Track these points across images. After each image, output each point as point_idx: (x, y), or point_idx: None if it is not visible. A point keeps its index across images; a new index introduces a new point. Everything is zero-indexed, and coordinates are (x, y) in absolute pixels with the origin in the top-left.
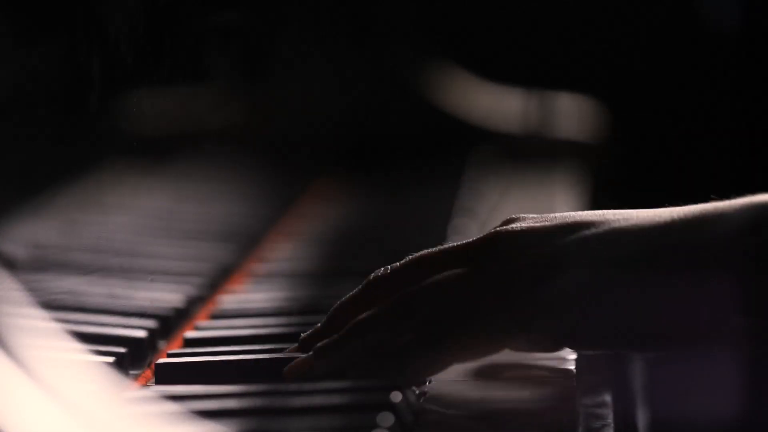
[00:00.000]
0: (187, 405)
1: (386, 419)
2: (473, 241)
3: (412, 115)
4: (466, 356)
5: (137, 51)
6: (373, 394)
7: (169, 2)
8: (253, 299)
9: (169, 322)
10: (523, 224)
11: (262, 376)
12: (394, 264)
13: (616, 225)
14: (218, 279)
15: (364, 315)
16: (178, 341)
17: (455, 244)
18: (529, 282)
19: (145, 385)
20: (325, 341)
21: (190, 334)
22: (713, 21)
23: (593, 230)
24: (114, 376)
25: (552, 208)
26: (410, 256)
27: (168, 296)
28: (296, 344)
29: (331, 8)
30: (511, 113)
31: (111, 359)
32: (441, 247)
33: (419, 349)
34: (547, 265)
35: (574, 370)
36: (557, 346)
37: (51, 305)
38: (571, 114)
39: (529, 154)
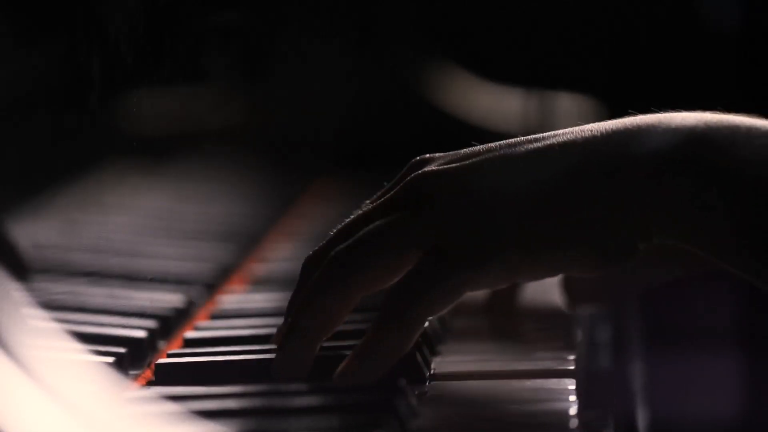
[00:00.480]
0: (187, 405)
1: (386, 419)
2: (393, 193)
3: (412, 114)
4: (429, 314)
5: (137, 51)
6: (373, 394)
7: (169, 2)
8: (253, 299)
9: (169, 322)
10: (440, 166)
11: (262, 377)
12: (321, 243)
13: (530, 146)
14: (218, 279)
15: (305, 291)
16: (178, 341)
17: (375, 199)
18: (462, 227)
19: (145, 385)
20: (282, 334)
21: (190, 334)
22: (713, 21)
23: (508, 165)
24: (114, 376)
25: None
26: (334, 229)
27: (168, 296)
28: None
29: (331, 8)
30: (511, 113)
31: (111, 359)
32: (362, 210)
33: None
34: (471, 210)
35: (574, 370)
36: (502, 281)
37: (51, 305)
38: (571, 114)
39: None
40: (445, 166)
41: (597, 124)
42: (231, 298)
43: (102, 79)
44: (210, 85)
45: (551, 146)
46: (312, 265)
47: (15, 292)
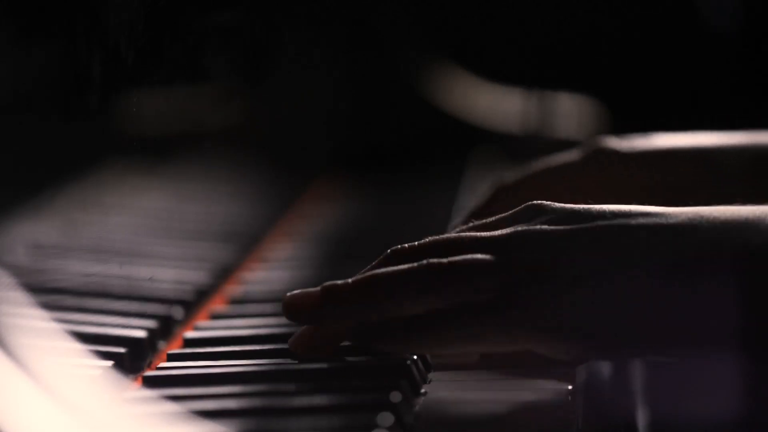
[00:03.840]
0: (187, 405)
1: (386, 419)
2: (500, 235)
3: (412, 114)
4: (475, 348)
5: (137, 51)
6: (373, 394)
7: (169, 2)
8: (253, 299)
9: (169, 323)
10: (549, 226)
11: (262, 381)
12: (413, 243)
13: (653, 221)
14: (218, 279)
15: (381, 271)
16: (178, 341)
17: (480, 234)
18: (555, 291)
19: (144, 385)
20: (337, 283)
21: (190, 334)
22: (713, 21)
23: (624, 239)
24: (114, 376)
25: None
26: (431, 238)
27: (168, 296)
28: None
29: (331, 8)
30: (511, 113)
31: (111, 359)
32: (464, 234)
33: (434, 326)
34: (574, 278)
35: (574, 370)
36: (581, 355)
37: (51, 305)
38: (571, 114)
39: (529, 154)
40: (554, 228)
41: (711, 210)
42: (231, 298)
43: (102, 79)
44: (210, 85)
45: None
46: (399, 256)
47: (15, 292)
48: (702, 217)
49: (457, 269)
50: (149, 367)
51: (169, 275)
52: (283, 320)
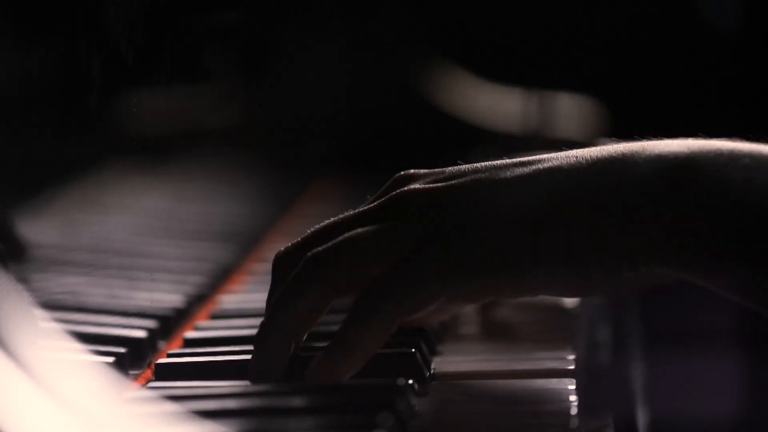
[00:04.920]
0: (187, 405)
1: (386, 419)
2: (377, 204)
3: (412, 114)
4: (401, 316)
5: (137, 51)
6: (373, 394)
7: (169, 2)
8: (253, 299)
9: (169, 322)
10: (425, 185)
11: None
12: (295, 240)
13: (517, 171)
14: (218, 279)
15: (281, 290)
16: (178, 341)
17: (357, 210)
18: (446, 239)
19: (145, 385)
20: (261, 330)
21: (190, 334)
22: (713, 21)
23: (494, 188)
24: (114, 376)
25: None
26: (311, 229)
27: (168, 296)
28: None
29: (330, 8)
30: (511, 113)
31: (111, 359)
32: (344, 215)
33: (354, 324)
34: (459, 223)
35: (574, 370)
36: (482, 296)
37: (51, 305)
38: (571, 114)
39: (529, 154)
40: (430, 185)
41: (582, 151)
42: (231, 298)
43: (102, 79)
44: (210, 85)
45: (537, 171)
46: (284, 262)
47: (15, 292)
48: (563, 164)
49: (344, 249)
50: (149, 367)
51: (170, 275)
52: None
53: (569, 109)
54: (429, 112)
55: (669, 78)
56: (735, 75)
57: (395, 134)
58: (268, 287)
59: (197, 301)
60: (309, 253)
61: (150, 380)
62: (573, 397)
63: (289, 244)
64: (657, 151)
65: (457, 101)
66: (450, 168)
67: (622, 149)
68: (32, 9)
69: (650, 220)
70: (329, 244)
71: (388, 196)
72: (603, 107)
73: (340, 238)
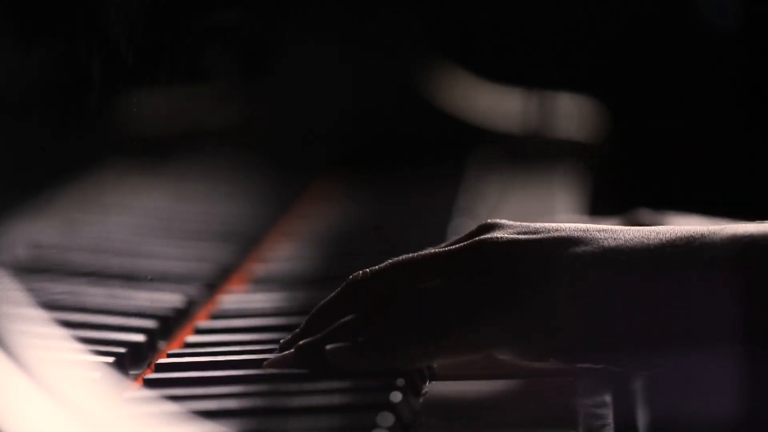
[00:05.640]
0: (187, 405)
1: (386, 419)
2: (458, 248)
3: (412, 114)
4: (448, 359)
5: (137, 51)
6: (373, 394)
7: (169, 2)
8: (253, 299)
9: (169, 322)
10: (509, 234)
11: (262, 377)
12: (374, 267)
13: (605, 243)
14: (218, 279)
15: (347, 318)
16: (178, 342)
17: (438, 250)
18: (518, 294)
19: (145, 384)
20: (307, 340)
21: (191, 338)
22: (713, 21)
23: (582, 247)
24: (114, 376)
25: (552, 207)
26: (391, 260)
27: (168, 296)
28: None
29: (330, 8)
30: (511, 113)
31: (111, 359)
32: (423, 252)
33: (402, 350)
34: (537, 277)
35: (574, 370)
36: (545, 358)
37: (51, 305)
38: (571, 114)
39: (529, 154)
40: (513, 236)
41: (658, 229)
42: (231, 298)
43: (102, 79)
44: (210, 85)
45: (626, 239)
46: (360, 286)
47: (15, 292)
48: (649, 238)
49: (414, 297)
50: (149, 367)
51: (170, 275)
52: (283, 320)
53: (569, 109)
54: (429, 112)
55: (669, 78)
56: (735, 75)
57: (395, 134)
58: (268, 287)
59: (197, 301)
60: (382, 298)
61: (150, 379)
62: (573, 397)
63: (368, 270)
64: (712, 253)
65: (457, 101)
66: (539, 224)
67: (693, 232)
68: (32, 9)
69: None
70: (403, 292)
71: (470, 241)
72: (603, 107)
73: (415, 288)
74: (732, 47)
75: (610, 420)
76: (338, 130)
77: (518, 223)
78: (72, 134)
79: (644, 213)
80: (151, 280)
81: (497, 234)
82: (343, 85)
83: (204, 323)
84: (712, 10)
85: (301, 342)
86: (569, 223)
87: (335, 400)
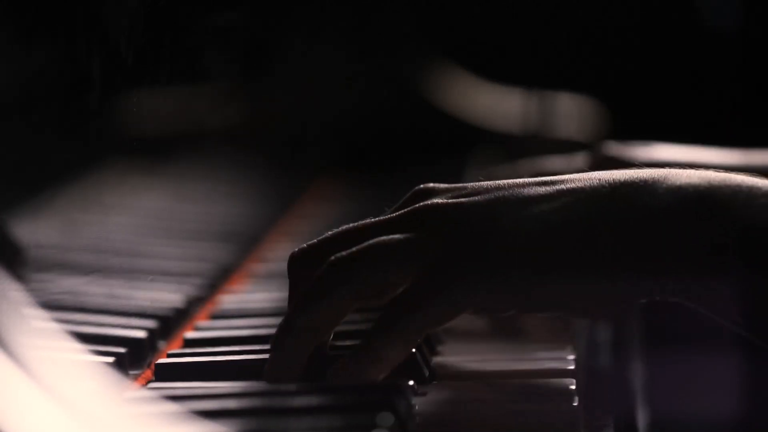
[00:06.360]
0: (187, 405)
1: (386, 419)
2: (398, 215)
3: (413, 114)
4: (427, 328)
5: (137, 51)
6: (373, 394)
7: (169, 2)
8: (253, 299)
9: (169, 322)
10: (447, 199)
11: (256, 384)
12: (312, 241)
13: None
14: (218, 279)
15: (303, 292)
16: (178, 341)
17: (377, 219)
18: (470, 252)
19: (145, 385)
20: (280, 332)
21: (190, 334)
22: (713, 21)
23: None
24: (114, 376)
25: None
26: (329, 233)
27: (168, 296)
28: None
29: (331, 8)
30: (511, 113)
31: (111, 359)
32: (363, 222)
33: (377, 336)
34: (485, 234)
35: (574, 370)
36: (508, 307)
37: (51, 305)
38: (571, 114)
39: (529, 154)
40: (452, 200)
41: (605, 174)
42: (231, 298)
43: (102, 79)
44: (210, 85)
45: (560, 192)
46: (301, 263)
47: (15, 292)
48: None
49: (369, 255)
50: (149, 367)
51: (170, 275)
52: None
53: (569, 109)
54: (429, 112)
55: (669, 78)
56: (735, 75)
57: (395, 134)
58: (268, 287)
59: (197, 301)
60: (333, 257)
61: (150, 380)
62: (573, 398)
63: (305, 244)
64: (678, 183)
65: (457, 101)
66: (471, 184)
67: (644, 176)
68: (32, 9)
69: (666, 250)
70: (354, 249)
71: (410, 208)
72: (603, 107)
73: (365, 244)
74: (732, 47)
75: (610, 420)
76: (338, 129)
77: (452, 186)
78: (72, 134)
79: (612, 145)
80: (151, 280)
81: (435, 200)
82: (343, 85)
83: (204, 323)
84: (712, 10)
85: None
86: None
87: (335, 400)
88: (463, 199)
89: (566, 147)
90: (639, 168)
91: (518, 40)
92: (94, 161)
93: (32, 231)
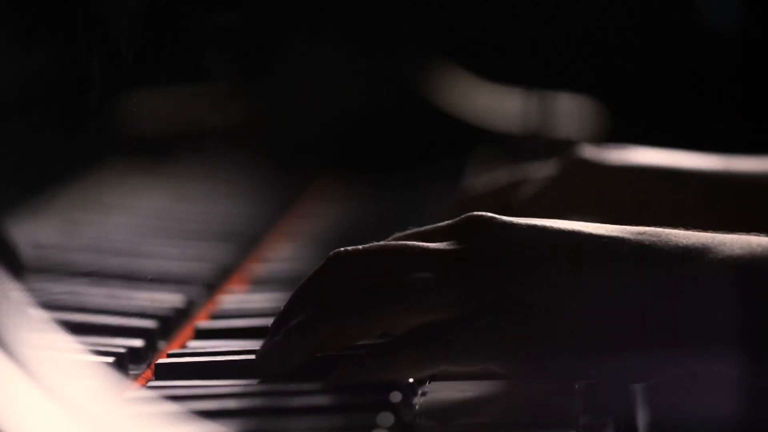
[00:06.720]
0: (187, 405)
1: (386, 419)
2: (444, 250)
3: (413, 114)
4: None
5: (137, 51)
6: (373, 394)
7: (169, 2)
8: (253, 299)
9: (169, 322)
10: (491, 246)
11: (261, 377)
12: (357, 247)
13: (595, 242)
14: (218, 279)
15: (332, 297)
16: (178, 341)
17: (423, 246)
18: (500, 277)
19: (145, 385)
20: (293, 323)
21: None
22: (713, 21)
23: (572, 246)
24: (114, 376)
25: None
26: (376, 244)
27: (168, 296)
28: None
29: (330, 8)
30: (511, 113)
31: (111, 359)
32: (408, 244)
33: (403, 349)
34: (522, 261)
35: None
36: (536, 368)
37: (51, 305)
38: (571, 114)
39: (529, 154)
40: (508, 219)
41: (651, 234)
42: (231, 298)
43: (102, 79)
44: (210, 85)
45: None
46: (343, 264)
47: (15, 291)
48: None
49: (407, 290)
50: (149, 367)
51: (170, 275)
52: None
53: (569, 109)
54: (429, 112)
55: (669, 78)
56: (735, 75)
57: (395, 134)
58: (268, 287)
59: (197, 301)
60: (376, 282)
61: (150, 380)
62: (573, 397)
63: (352, 249)
64: (720, 256)
65: (457, 101)
66: (527, 223)
67: (688, 245)
68: (32, 9)
69: (707, 316)
70: (393, 279)
71: (459, 247)
72: (603, 107)
73: (403, 277)
74: (732, 47)
75: (610, 420)
76: (338, 129)
77: (501, 224)
78: (72, 134)
79: (585, 148)
80: (151, 280)
81: (481, 245)
82: (343, 85)
83: (204, 323)
84: (712, 10)
85: (289, 326)
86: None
87: (335, 400)
88: (516, 220)
89: (566, 147)
90: (614, 172)
91: (518, 40)
92: (94, 161)
93: (32, 231)
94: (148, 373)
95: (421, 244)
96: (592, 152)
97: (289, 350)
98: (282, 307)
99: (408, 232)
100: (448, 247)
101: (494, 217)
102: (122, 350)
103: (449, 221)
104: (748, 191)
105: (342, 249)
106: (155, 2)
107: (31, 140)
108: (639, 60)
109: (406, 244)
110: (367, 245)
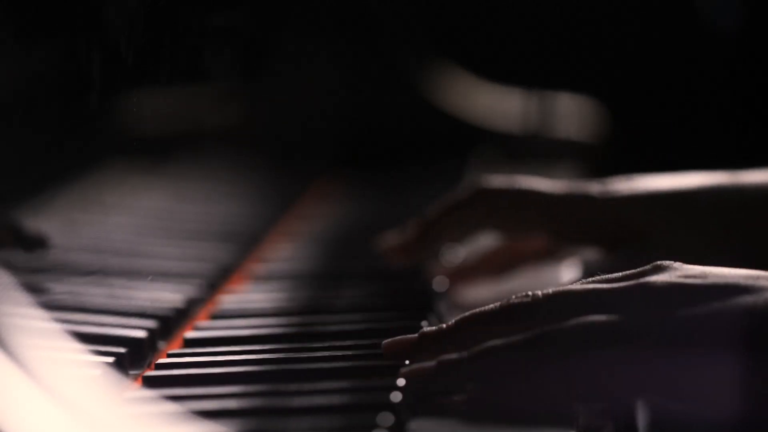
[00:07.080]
0: (187, 405)
1: (386, 419)
2: (618, 287)
3: (413, 114)
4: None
5: (137, 51)
6: (373, 394)
7: (169, 2)
8: (253, 299)
9: (169, 322)
10: (671, 278)
11: (262, 378)
12: (537, 292)
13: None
14: (218, 279)
15: (499, 342)
16: (178, 341)
17: (602, 286)
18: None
19: (145, 384)
20: (452, 357)
21: (190, 334)
22: (713, 21)
23: (752, 297)
24: (114, 376)
25: None
26: (554, 289)
27: (168, 296)
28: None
29: (331, 8)
30: (511, 113)
31: (111, 359)
32: (586, 286)
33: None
34: (698, 330)
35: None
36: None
37: (51, 305)
38: (571, 114)
39: (529, 154)
40: (680, 281)
41: None
42: (231, 298)
43: (102, 79)
44: (210, 85)
45: None
46: (521, 310)
47: (15, 292)
48: None
49: (574, 334)
50: (149, 367)
51: (170, 275)
52: (283, 320)
53: (569, 109)
54: (429, 112)
55: (669, 78)
56: (735, 75)
57: (395, 134)
58: (267, 287)
59: (197, 301)
60: (544, 329)
61: (149, 378)
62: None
63: (529, 294)
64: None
65: (457, 101)
66: (707, 269)
67: None
68: (32, 9)
69: None
70: (564, 326)
71: (631, 283)
72: (603, 107)
73: (575, 324)
74: (732, 47)
75: (611, 420)
76: (338, 129)
77: (694, 267)
78: (72, 134)
79: (492, 178)
80: (151, 280)
81: (659, 277)
82: (343, 85)
83: (204, 323)
84: (712, 10)
85: (446, 358)
86: (737, 269)
87: (335, 400)
88: (690, 281)
89: (566, 147)
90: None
91: (518, 40)
92: (94, 161)
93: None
94: (148, 372)
95: (594, 288)
96: (496, 180)
97: (437, 378)
98: (447, 326)
99: (576, 286)
100: (620, 286)
101: (659, 285)
102: (122, 350)
103: (634, 270)
104: (759, 205)
105: (527, 293)
106: (155, 2)
107: (31, 140)
108: (639, 60)
109: (577, 290)
110: (547, 292)
